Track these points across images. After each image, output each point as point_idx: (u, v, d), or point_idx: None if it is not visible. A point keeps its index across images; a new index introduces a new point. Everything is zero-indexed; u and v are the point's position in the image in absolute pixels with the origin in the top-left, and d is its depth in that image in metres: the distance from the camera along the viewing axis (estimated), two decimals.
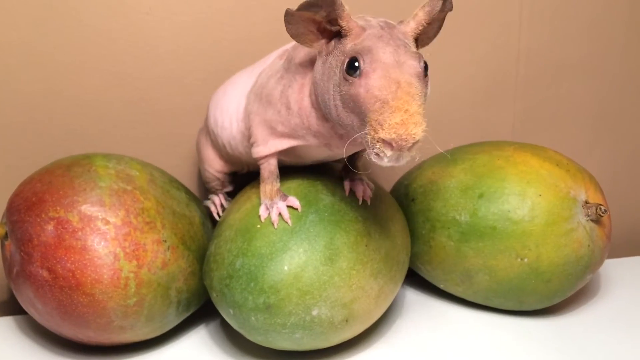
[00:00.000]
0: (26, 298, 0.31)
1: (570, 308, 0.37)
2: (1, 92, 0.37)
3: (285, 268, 0.28)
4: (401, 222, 0.34)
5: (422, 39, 0.27)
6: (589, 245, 0.33)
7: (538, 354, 0.32)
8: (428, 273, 0.37)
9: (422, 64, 0.25)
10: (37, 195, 0.31)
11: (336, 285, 0.29)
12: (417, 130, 0.23)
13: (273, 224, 0.29)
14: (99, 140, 0.39)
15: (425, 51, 0.42)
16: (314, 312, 0.28)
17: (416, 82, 0.24)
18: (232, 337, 0.34)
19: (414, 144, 0.23)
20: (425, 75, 0.25)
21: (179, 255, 0.32)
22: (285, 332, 0.29)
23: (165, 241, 0.31)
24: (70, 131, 0.39)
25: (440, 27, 0.28)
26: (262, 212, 0.30)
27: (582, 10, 0.44)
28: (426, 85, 0.25)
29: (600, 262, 0.34)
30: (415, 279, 0.39)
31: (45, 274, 0.29)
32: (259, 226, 0.30)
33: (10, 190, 0.33)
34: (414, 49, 0.25)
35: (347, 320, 0.30)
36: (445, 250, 0.35)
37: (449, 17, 0.42)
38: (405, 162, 0.23)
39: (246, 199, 0.32)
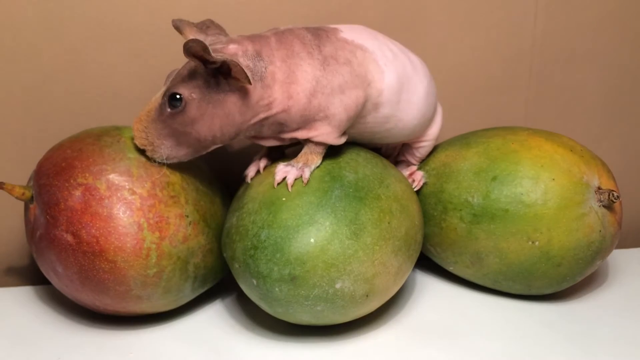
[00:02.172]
0: (47, 262, 0.31)
1: (578, 295, 0.37)
2: (25, 64, 0.38)
3: (312, 240, 0.29)
4: (418, 203, 0.35)
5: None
6: (600, 231, 0.33)
7: (545, 338, 0.32)
8: (438, 255, 0.38)
9: (163, 100, 0.30)
10: (67, 161, 0.31)
11: (360, 259, 0.29)
12: (134, 139, 0.31)
13: (288, 186, 0.30)
14: (115, 114, 0.39)
15: (439, 36, 0.43)
16: (338, 285, 0.29)
17: (153, 110, 0.30)
18: (246, 314, 0.35)
19: (142, 149, 0.31)
20: (171, 107, 0.29)
21: (199, 232, 0.32)
22: (307, 304, 0.29)
23: (188, 216, 0.32)
24: (88, 104, 0.39)
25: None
26: (281, 170, 0.31)
27: None
28: (170, 116, 0.29)
29: (610, 249, 0.35)
30: (425, 262, 0.40)
31: (69, 238, 0.30)
32: (284, 199, 0.30)
33: (27, 160, 0.33)
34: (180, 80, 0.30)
35: (367, 295, 0.30)
36: (456, 232, 0.35)
37: (465, 2, 0.43)
38: (154, 159, 0.31)
39: (267, 173, 0.33)
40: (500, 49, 0.44)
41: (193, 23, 0.32)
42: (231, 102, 0.29)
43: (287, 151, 0.35)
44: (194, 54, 0.28)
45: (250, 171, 0.34)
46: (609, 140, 0.48)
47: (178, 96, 0.29)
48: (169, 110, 0.29)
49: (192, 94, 0.29)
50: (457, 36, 0.44)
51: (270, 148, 0.34)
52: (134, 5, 0.38)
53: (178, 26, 0.32)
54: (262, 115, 0.30)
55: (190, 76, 0.29)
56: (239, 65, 0.27)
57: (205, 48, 0.27)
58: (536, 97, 0.46)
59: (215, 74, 0.29)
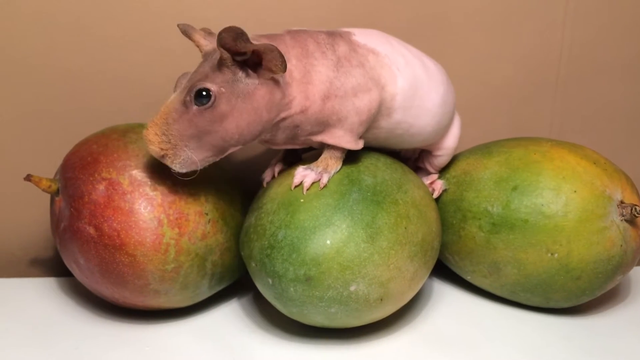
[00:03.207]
0: (70, 253, 0.32)
1: (597, 310, 0.36)
2: (54, 61, 0.39)
3: (328, 242, 0.29)
4: (436, 210, 0.34)
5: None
6: (621, 245, 0.33)
7: (562, 352, 0.32)
8: (456, 263, 0.37)
9: (187, 98, 0.28)
10: (93, 156, 0.32)
11: (375, 263, 0.29)
12: (149, 147, 0.29)
13: (303, 189, 0.30)
14: (141, 111, 0.40)
15: (465, 45, 0.43)
16: (352, 288, 0.29)
17: (173, 111, 0.28)
18: (261, 313, 0.35)
19: (161, 156, 0.29)
20: (198, 104, 0.28)
21: (218, 230, 0.33)
22: (321, 305, 0.29)
23: (207, 214, 0.32)
24: (114, 101, 0.40)
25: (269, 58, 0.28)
26: (299, 173, 0.31)
27: (628, 10, 0.44)
28: (197, 114, 0.28)
29: (631, 264, 0.34)
30: (442, 271, 0.40)
31: (92, 230, 0.31)
32: (302, 200, 0.30)
33: (54, 154, 0.34)
34: (201, 81, 0.28)
35: (381, 299, 0.30)
36: (474, 241, 0.35)
37: (493, 11, 0.43)
38: (173, 167, 0.29)
39: (287, 174, 0.33)
40: (528, 59, 0.44)
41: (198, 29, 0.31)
42: (260, 95, 0.28)
43: (303, 155, 0.35)
44: (227, 44, 0.27)
45: (267, 175, 0.34)
46: (634, 154, 0.47)
47: (205, 92, 0.28)
48: (195, 107, 0.28)
49: (222, 88, 0.28)
50: (484, 46, 0.43)
51: (287, 152, 0.35)
52: (163, 5, 0.39)
53: (185, 30, 0.31)
54: (282, 115, 0.30)
55: (215, 71, 0.28)
56: (276, 49, 0.27)
57: (241, 34, 0.26)
58: (562, 109, 0.45)
59: (243, 66, 0.28)
